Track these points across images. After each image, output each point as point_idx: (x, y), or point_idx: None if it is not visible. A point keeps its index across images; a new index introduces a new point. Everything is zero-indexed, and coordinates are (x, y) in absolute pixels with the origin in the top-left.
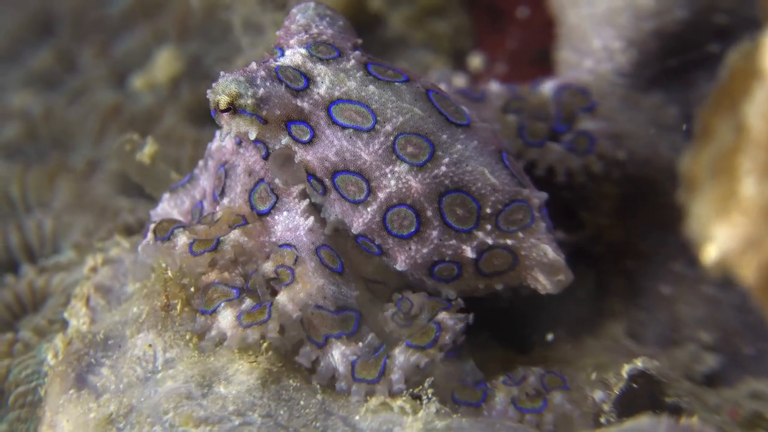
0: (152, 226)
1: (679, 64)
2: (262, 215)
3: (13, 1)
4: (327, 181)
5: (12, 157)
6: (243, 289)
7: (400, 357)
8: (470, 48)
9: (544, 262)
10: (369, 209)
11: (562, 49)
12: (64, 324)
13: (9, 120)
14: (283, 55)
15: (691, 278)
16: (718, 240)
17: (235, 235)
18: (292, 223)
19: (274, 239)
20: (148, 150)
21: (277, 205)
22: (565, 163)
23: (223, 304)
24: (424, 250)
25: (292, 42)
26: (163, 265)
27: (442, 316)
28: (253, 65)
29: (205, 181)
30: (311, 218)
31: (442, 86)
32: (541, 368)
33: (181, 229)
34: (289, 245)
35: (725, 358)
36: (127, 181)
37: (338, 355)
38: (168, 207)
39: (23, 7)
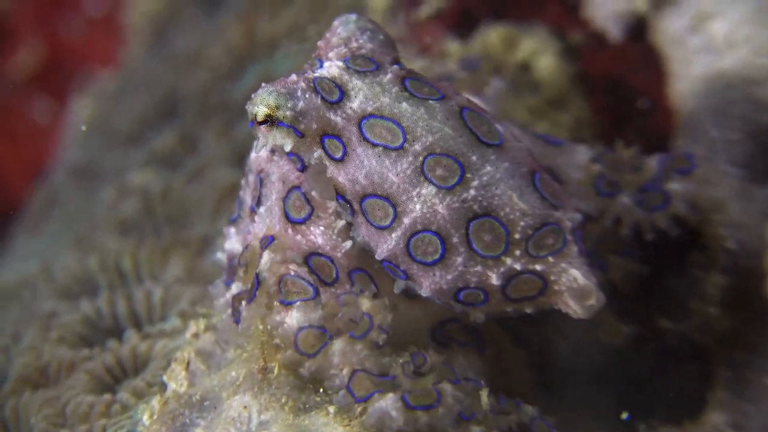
0: (231, 298)
1: None
2: (297, 223)
3: (144, 86)
4: (355, 205)
5: (128, 233)
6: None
7: (389, 403)
8: (590, 138)
9: (574, 287)
10: (393, 235)
11: (679, 138)
12: (163, 387)
13: (128, 197)
14: (321, 66)
15: None
16: None
17: (265, 257)
18: (331, 240)
19: (310, 246)
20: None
21: (312, 217)
22: (632, 216)
23: (298, 303)
24: (449, 277)
25: (330, 55)
26: (260, 327)
27: (447, 387)
28: (293, 77)
29: (248, 198)
30: (349, 242)
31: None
32: None
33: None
34: (328, 258)
35: None
36: None
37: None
38: (237, 244)
39: (153, 91)
